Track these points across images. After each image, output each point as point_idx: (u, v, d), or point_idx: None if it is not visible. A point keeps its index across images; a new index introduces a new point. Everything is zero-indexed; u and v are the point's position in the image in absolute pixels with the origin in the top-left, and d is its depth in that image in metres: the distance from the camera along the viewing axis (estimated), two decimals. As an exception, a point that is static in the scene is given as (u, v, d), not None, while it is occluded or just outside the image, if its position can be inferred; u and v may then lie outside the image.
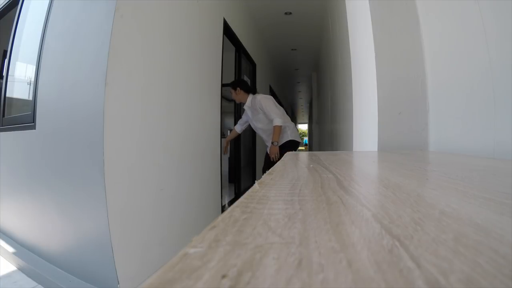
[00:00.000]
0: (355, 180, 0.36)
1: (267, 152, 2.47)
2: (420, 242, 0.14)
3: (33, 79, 1.69)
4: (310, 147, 9.66)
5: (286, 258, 0.12)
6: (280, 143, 2.39)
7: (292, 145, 2.45)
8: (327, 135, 3.52)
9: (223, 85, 2.53)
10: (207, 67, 2.19)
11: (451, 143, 0.93)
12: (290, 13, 3.70)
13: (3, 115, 2.08)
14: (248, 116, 2.55)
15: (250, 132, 3.91)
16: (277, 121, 2.31)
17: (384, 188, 0.30)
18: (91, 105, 1.24)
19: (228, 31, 2.72)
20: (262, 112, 2.37)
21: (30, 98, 1.71)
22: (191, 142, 1.92)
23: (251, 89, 2.51)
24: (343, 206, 0.22)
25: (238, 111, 3.20)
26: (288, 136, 2.44)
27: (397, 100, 1.06)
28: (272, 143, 2.35)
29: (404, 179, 0.35)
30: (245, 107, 2.49)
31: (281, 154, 2.27)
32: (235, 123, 3.25)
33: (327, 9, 3.22)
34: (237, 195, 3.24)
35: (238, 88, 2.43)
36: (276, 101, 2.76)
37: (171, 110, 1.68)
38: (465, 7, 0.83)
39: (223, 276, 0.11)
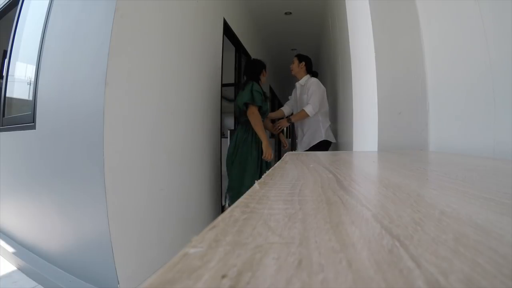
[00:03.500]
0: (355, 180, 0.36)
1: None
2: (420, 242, 0.14)
3: (33, 79, 1.69)
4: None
5: (286, 258, 0.12)
6: (312, 144, 2.30)
7: (325, 146, 2.32)
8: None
9: (223, 85, 2.53)
10: (207, 67, 2.19)
11: (451, 143, 0.93)
12: (290, 13, 3.70)
13: (3, 115, 2.08)
14: (295, 94, 2.50)
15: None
16: (309, 110, 2.22)
17: (384, 188, 0.30)
18: (91, 105, 1.24)
19: (228, 31, 2.71)
20: (307, 95, 2.30)
21: (30, 98, 1.71)
22: (191, 142, 1.92)
23: (312, 72, 2.46)
24: (343, 206, 0.22)
25: (238, 111, 3.19)
26: (321, 136, 2.31)
27: (397, 100, 1.06)
28: (287, 117, 2.28)
29: (404, 179, 0.35)
30: (297, 84, 2.46)
31: None
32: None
33: (327, 9, 3.22)
34: (237, 195, 3.23)
35: (304, 63, 2.38)
36: (277, 101, 2.75)
37: (171, 110, 1.68)
38: (465, 7, 0.83)
39: (223, 276, 0.11)
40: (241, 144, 2.13)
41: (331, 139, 2.36)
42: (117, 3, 1.23)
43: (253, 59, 2.39)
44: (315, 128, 2.33)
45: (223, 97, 2.55)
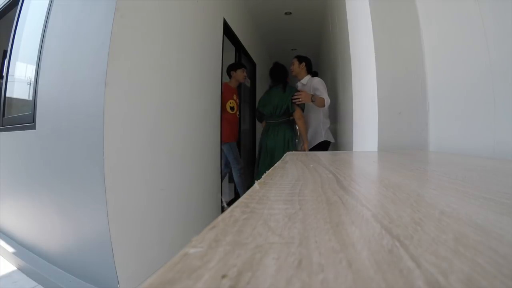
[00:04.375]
0: (355, 180, 0.36)
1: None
2: (420, 242, 0.14)
3: (33, 79, 1.69)
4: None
5: (286, 258, 0.12)
6: (313, 144, 2.40)
7: (325, 146, 2.42)
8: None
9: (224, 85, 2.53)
10: (207, 67, 2.19)
11: (451, 143, 0.93)
12: (290, 13, 3.70)
13: (3, 115, 2.08)
14: None
15: (250, 132, 3.90)
16: (327, 99, 2.26)
17: (384, 188, 0.30)
18: (91, 105, 1.24)
19: (228, 31, 2.71)
20: (311, 93, 2.37)
21: (30, 98, 1.71)
22: (191, 142, 1.92)
23: (312, 72, 2.57)
24: (343, 206, 0.22)
25: (238, 111, 3.19)
26: (322, 137, 2.40)
27: (397, 100, 1.06)
28: (312, 97, 2.23)
29: (404, 179, 0.35)
30: (299, 83, 2.53)
31: None
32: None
33: (327, 9, 3.22)
34: (237, 195, 3.23)
35: (304, 63, 2.46)
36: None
37: (171, 110, 1.67)
38: (465, 7, 0.83)
39: (223, 276, 0.11)
40: (291, 141, 2.38)
41: (331, 139, 2.45)
42: (117, 3, 1.23)
43: (280, 63, 2.52)
44: (316, 128, 2.42)
45: (223, 97, 2.54)
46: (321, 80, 2.41)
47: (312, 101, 2.25)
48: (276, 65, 2.51)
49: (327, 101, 2.27)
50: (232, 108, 2.56)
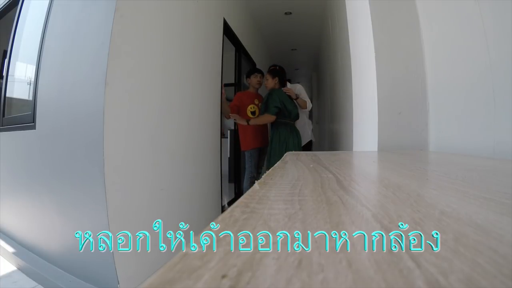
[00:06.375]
0: (355, 180, 0.36)
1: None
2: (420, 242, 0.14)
3: (33, 79, 1.69)
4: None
5: (286, 258, 0.12)
6: (302, 145, 2.63)
7: (310, 145, 2.83)
8: (327, 135, 3.53)
9: (223, 85, 2.53)
10: (207, 67, 2.19)
11: (451, 143, 0.93)
12: (290, 13, 3.70)
13: (3, 115, 2.08)
14: None
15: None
16: (310, 104, 2.69)
17: (384, 188, 0.30)
18: (91, 105, 1.24)
19: (228, 31, 2.71)
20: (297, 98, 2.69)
21: (30, 98, 1.71)
22: (191, 142, 1.92)
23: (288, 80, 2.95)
24: (343, 206, 0.22)
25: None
26: (309, 136, 2.76)
27: (397, 100, 1.06)
28: (296, 95, 2.53)
29: (404, 179, 0.35)
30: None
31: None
32: (235, 123, 3.25)
33: (327, 9, 3.22)
34: (237, 195, 3.23)
35: (277, 78, 2.76)
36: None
37: (171, 110, 1.68)
38: (465, 7, 0.83)
39: (223, 276, 0.11)
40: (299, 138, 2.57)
41: (313, 138, 2.95)
42: (117, 3, 1.23)
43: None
44: (303, 130, 2.68)
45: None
46: (302, 87, 2.77)
47: (296, 98, 2.54)
48: (281, 67, 2.62)
49: (309, 104, 2.67)
50: (253, 113, 2.57)
